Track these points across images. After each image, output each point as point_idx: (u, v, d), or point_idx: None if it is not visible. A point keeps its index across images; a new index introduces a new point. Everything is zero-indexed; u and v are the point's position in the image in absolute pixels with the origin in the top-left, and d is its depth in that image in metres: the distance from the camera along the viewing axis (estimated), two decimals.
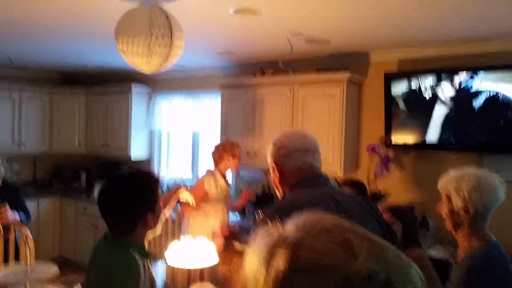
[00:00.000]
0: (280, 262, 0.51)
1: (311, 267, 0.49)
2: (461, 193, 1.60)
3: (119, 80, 5.13)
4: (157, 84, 5.01)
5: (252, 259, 0.55)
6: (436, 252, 2.83)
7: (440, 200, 1.71)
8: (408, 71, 3.25)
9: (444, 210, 1.69)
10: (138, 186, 1.50)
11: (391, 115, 3.28)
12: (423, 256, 2.25)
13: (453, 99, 2.99)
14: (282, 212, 1.30)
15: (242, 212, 3.95)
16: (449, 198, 1.66)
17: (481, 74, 2.86)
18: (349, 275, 0.47)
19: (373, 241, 0.53)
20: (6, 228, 2.87)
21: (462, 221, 1.63)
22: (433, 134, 3.10)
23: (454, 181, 1.64)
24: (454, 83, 2.97)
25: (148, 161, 5.06)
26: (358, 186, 2.95)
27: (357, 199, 1.46)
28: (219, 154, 3.24)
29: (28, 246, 2.12)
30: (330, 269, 0.48)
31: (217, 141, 3.76)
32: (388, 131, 3.31)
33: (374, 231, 1.38)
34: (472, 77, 2.89)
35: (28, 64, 4.70)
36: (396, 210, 2.30)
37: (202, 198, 3.08)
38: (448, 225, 1.70)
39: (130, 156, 4.86)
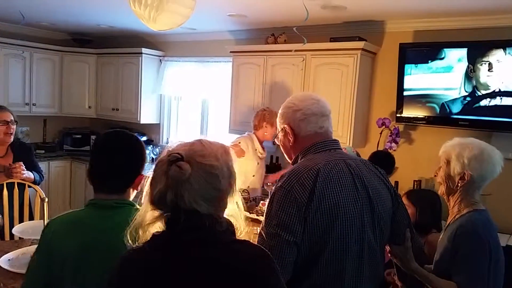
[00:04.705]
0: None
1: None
2: (462, 159, 1.62)
3: (130, 44, 5.10)
4: (167, 48, 4.97)
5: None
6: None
7: (439, 166, 1.74)
8: (424, 43, 3.17)
9: (440, 174, 1.72)
10: (139, 142, 1.44)
11: (403, 88, 3.22)
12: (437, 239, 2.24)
13: (467, 75, 2.93)
14: (297, 176, 1.32)
15: None
16: (448, 163, 1.68)
17: (500, 50, 2.78)
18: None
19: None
20: (22, 187, 2.90)
21: (456, 187, 1.66)
22: (444, 109, 3.05)
23: (458, 147, 1.67)
24: (470, 57, 2.90)
25: (157, 126, 5.08)
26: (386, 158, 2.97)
27: (366, 163, 1.46)
28: (258, 120, 3.33)
29: (44, 202, 2.14)
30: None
31: (257, 108, 3.66)
32: (399, 104, 3.27)
33: (382, 193, 1.40)
34: (489, 53, 2.82)
35: (40, 21, 4.64)
36: (413, 195, 2.33)
37: (238, 153, 3.13)
38: (442, 189, 1.74)
39: (140, 121, 4.88)
